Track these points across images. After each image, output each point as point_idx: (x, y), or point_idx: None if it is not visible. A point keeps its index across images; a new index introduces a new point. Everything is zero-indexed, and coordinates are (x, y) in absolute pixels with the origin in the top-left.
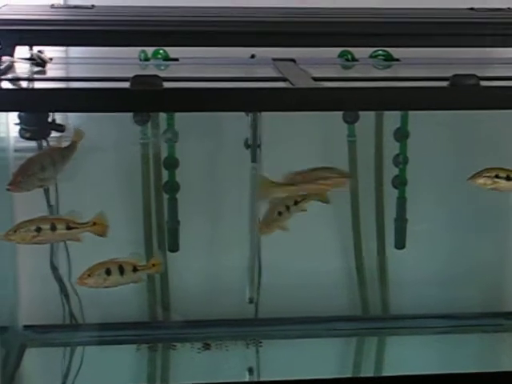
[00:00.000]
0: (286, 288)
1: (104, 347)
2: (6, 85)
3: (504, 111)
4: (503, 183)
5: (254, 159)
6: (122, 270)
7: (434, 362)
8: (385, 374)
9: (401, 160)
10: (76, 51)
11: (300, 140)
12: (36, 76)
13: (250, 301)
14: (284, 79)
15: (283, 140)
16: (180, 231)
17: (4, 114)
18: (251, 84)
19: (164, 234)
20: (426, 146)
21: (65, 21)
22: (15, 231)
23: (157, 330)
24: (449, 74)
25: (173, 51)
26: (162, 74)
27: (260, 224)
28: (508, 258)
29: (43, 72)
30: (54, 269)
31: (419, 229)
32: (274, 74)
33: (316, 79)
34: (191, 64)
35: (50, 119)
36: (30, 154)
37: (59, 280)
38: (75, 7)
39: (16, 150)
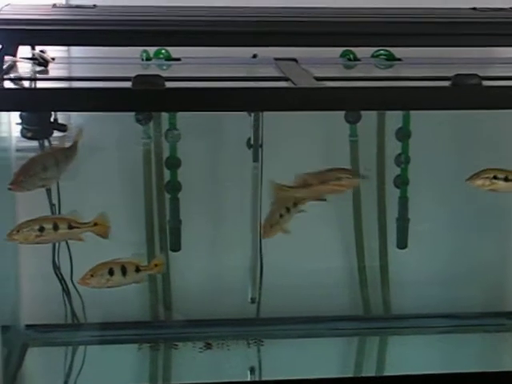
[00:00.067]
0: (287, 288)
1: (106, 346)
2: (9, 84)
3: (506, 111)
4: (501, 184)
5: (255, 159)
6: (124, 271)
7: (435, 362)
8: (386, 373)
9: (403, 160)
10: (78, 51)
11: (302, 140)
12: (38, 76)
13: (252, 300)
14: (286, 79)
15: (285, 140)
16: (182, 231)
17: (6, 113)
18: (253, 84)
19: (166, 233)
20: (428, 145)
21: (67, 20)
22: (18, 231)
23: (158, 329)
24: (451, 74)
25: (175, 51)
26: (164, 74)
27: (262, 227)
28: (510, 258)
29: (45, 72)
30: (56, 268)
31: (421, 228)
32: (276, 74)
33: (318, 79)
34: (193, 64)
35: (52, 119)
36: (32, 154)
37: (61, 279)
38: (77, 7)
39: (18, 150)
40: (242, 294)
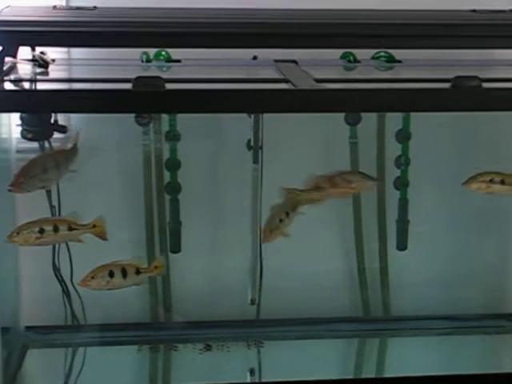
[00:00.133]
0: (287, 289)
1: (106, 348)
2: (9, 86)
3: (506, 113)
4: (498, 187)
5: (255, 160)
6: (124, 273)
7: (435, 364)
8: (386, 375)
9: (403, 161)
10: (78, 52)
11: (302, 141)
12: (38, 77)
13: (252, 302)
14: (286, 81)
15: (285, 141)
16: (182, 232)
17: (6, 114)
18: (253, 85)
19: (166, 235)
20: (428, 147)
21: (67, 22)
22: (18, 233)
23: (158, 330)
24: (451, 76)
25: (175, 53)
26: (164, 76)
27: (262, 232)
28: (510, 260)
29: (45, 73)
30: (56, 270)
31: (421, 230)
32: (276, 76)
33: (318, 81)
34: (193, 65)
35: (52, 120)
36: (32, 155)
37: (61, 281)
38: (77, 8)
39: (18, 151)
40: (242, 296)
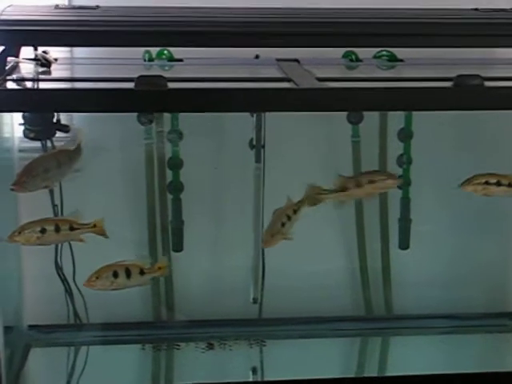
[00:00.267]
0: (289, 288)
1: (108, 347)
2: (11, 85)
3: (508, 111)
4: (494, 189)
5: (258, 159)
6: (128, 273)
7: (437, 363)
8: (388, 374)
9: (405, 160)
10: (81, 52)
11: (304, 140)
12: (41, 76)
13: (254, 301)
14: (288, 79)
15: (287, 140)
16: (184, 231)
17: (9, 114)
18: (255, 84)
19: (168, 234)
20: (430, 146)
21: (69, 21)
22: (20, 232)
23: (161, 329)
24: (453, 75)
25: (177, 52)
26: (167, 75)
27: (264, 236)
28: (511, 259)
29: (48, 72)
30: (59, 269)
31: (423, 229)
32: (278, 75)
33: (320, 79)
34: (195, 64)
35: (54, 119)
36: (34, 155)
37: (64, 280)
38: (80, 8)
39: (20, 151)
40: (244, 295)
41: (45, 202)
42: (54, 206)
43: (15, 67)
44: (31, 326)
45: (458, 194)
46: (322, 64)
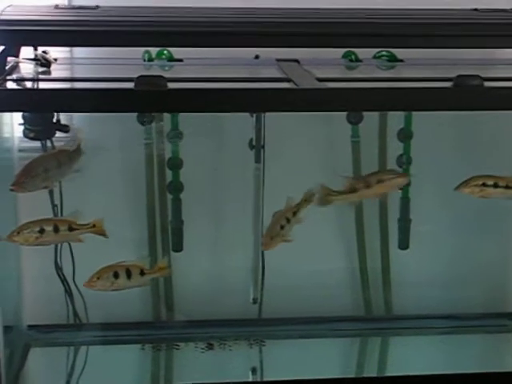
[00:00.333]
0: (289, 288)
1: (108, 347)
2: (11, 85)
3: (508, 112)
4: (491, 190)
5: (257, 160)
6: (129, 274)
7: (437, 363)
8: (388, 374)
9: (404, 160)
10: (80, 52)
11: (304, 140)
12: (40, 76)
13: (254, 301)
14: (288, 80)
15: (287, 140)
16: (184, 231)
17: (8, 113)
18: (255, 85)
19: (168, 234)
20: (430, 146)
21: (69, 21)
22: (19, 232)
23: (160, 329)
24: (452, 75)
25: (177, 52)
26: (167, 75)
27: (264, 239)
28: (511, 259)
29: (48, 72)
30: (58, 269)
31: (423, 229)
32: (278, 75)
33: (320, 80)
34: (195, 65)
35: (54, 119)
36: (34, 155)
37: (63, 280)
38: (79, 8)
39: (20, 150)
40: (244, 295)
41: (44, 202)
42: (54, 206)
43: (15, 67)
44: (31, 326)
45: (457, 194)
46: (322, 64)
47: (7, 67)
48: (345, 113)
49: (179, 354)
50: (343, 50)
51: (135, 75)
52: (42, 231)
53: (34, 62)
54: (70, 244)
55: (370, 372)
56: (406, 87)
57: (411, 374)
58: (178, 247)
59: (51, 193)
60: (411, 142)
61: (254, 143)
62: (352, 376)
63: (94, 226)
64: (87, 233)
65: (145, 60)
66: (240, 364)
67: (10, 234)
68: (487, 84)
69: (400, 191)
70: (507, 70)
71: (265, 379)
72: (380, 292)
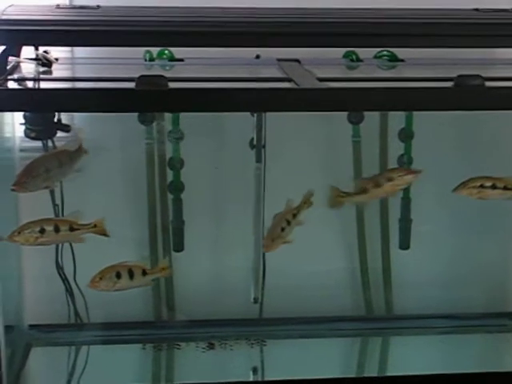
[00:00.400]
0: (290, 288)
1: (109, 347)
2: (12, 85)
3: (508, 112)
4: (489, 192)
5: (258, 159)
6: (131, 274)
7: (437, 363)
8: (388, 373)
9: (405, 160)
10: (81, 51)
11: (305, 140)
12: (42, 76)
13: (255, 301)
14: (289, 80)
15: (288, 140)
16: (185, 231)
17: (9, 113)
18: (256, 84)
19: (169, 233)
20: (431, 146)
21: (70, 21)
22: (19, 232)
23: (161, 329)
24: (453, 75)
25: (178, 51)
26: (168, 75)
27: (265, 241)
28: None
29: (49, 72)
30: (60, 268)
31: (423, 229)
32: (279, 75)
33: (321, 80)
34: (196, 64)
35: (55, 119)
36: (35, 154)
37: (64, 279)
38: (81, 7)
39: (21, 150)
40: (245, 295)
41: (45, 202)
42: (55, 205)
43: (16, 67)
44: (32, 326)
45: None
46: (323, 64)
47: (8, 67)
48: (346, 112)
49: (180, 353)
50: (344, 50)
51: (136, 75)
52: (42, 231)
53: (35, 62)
54: (70, 244)
55: (371, 372)
56: (407, 87)
57: (411, 373)
58: (179, 247)
59: (52, 193)
60: (412, 142)
61: (254, 143)
62: (352, 376)
63: (95, 226)
64: (88, 233)
65: (146, 60)
66: (241, 364)
67: (10, 234)
68: (488, 84)
69: (401, 191)
70: (508, 69)
71: (266, 379)
72: (381, 292)
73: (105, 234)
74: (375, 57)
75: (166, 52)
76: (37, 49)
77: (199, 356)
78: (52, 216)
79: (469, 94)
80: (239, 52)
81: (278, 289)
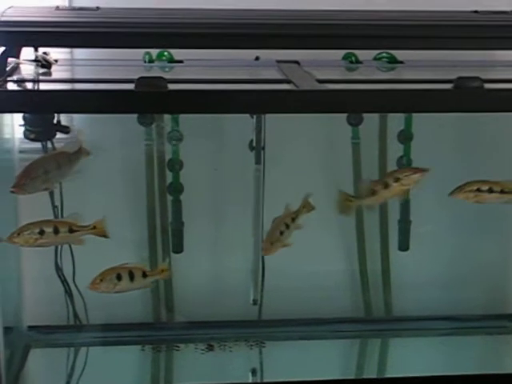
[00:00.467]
0: (289, 290)
1: (108, 348)
2: (12, 86)
3: (508, 113)
4: (485, 196)
5: (258, 161)
6: (132, 276)
7: (437, 364)
8: (388, 375)
9: (404, 162)
10: (81, 53)
11: (304, 142)
12: (41, 77)
13: (254, 302)
14: (288, 81)
15: (287, 142)
16: (184, 233)
17: (9, 115)
18: (256, 86)
19: (168, 235)
20: (430, 147)
21: (70, 23)
22: (19, 234)
23: (160, 331)
24: (453, 77)
25: (177, 53)
26: (167, 76)
27: (264, 244)
28: (511, 260)
29: (48, 73)
30: (59, 270)
31: (423, 230)
32: (279, 76)
33: (320, 81)
34: (196, 66)
35: (55, 120)
36: (35, 156)
37: (63, 281)
38: (80, 9)
39: (21, 151)
40: (244, 296)
41: (45, 203)
42: (54, 207)
43: (16, 68)
44: (31, 327)
45: None
46: (322, 66)
47: (8, 68)
48: (345, 114)
49: (179, 355)
50: (343, 52)
51: (136, 76)
52: (42, 233)
53: (34, 63)
54: (70, 245)
55: (370, 373)
56: (407, 89)
57: (411, 375)
58: (178, 248)
59: (51, 194)
60: (411, 144)
61: (254, 144)
62: (352, 377)
63: (94, 227)
64: (88, 234)
65: (145, 61)
66: (240, 365)
67: (10, 235)
68: (487, 86)
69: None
70: (507, 71)
71: (265, 380)
72: (380, 293)
73: (105, 236)
74: (375, 59)
75: (166, 54)
76: (36, 50)
77: (198, 357)
78: (51, 217)
79: (468, 96)
80: (239, 54)
81: (277, 290)
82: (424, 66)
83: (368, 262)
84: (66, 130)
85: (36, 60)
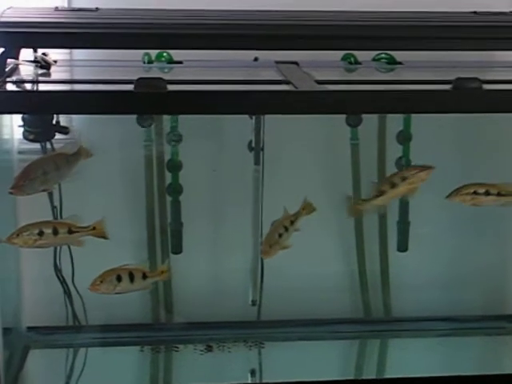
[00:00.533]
0: (288, 290)
1: (107, 349)
2: (11, 87)
3: (507, 114)
4: (482, 198)
5: (257, 162)
6: (132, 277)
7: (436, 365)
8: (387, 376)
9: (403, 163)
10: (80, 54)
11: (303, 143)
12: (40, 78)
13: (253, 303)
14: (287, 82)
15: (286, 142)
16: (183, 233)
17: (8, 115)
18: (254, 87)
19: (167, 236)
20: (429, 148)
21: (69, 23)
22: (18, 235)
23: (159, 331)
24: (452, 77)
25: (176, 54)
26: (166, 77)
27: (263, 247)
28: (510, 261)
29: (48, 74)
30: (58, 270)
31: (422, 231)
32: (277, 77)
33: (319, 82)
34: (195, 67)
35: (54, 121)
36: (34, 156)
37: (62, 282)
38: (79, 10)
39: (20, 152)
40: (243, 297)
41: (44, 204)
42: (54, 208)
43: (15, 69)
44: (30, 328)
45: None
46: (321, 66)
47: (7, 69)
48: (344, 115)
49: (178, 356)
50: (342, 53)
51: (135, 77)
52: (41, 234)
53: (33, 64)
54: (69, 246)
55: (369, 374)
56: (405, 90)
57: (410, 376)
58: (178, 249)
59: (51, 195)
60: (410, 145)
61: (253, 145)
62: (351, 378)
63: (94, 228)
64: (87, 235)
65: (144, 62)
66: (239, 366)
67: (9, 236)
68: (486, 86)
69: None
70: (506, 72)
71: (264, 381)
72: (379, 294)
73: (104, 237)
74: (373, 59)
75: (165, 54)
76: (35, 51)
77: (197, 358)
78: (50, 218)
79: (467, 97)
80: (237, 54)
81: (276, 291)
82: (423, 67)
83: (367, 262)
84: (64, 130)
85: (35, 61)
